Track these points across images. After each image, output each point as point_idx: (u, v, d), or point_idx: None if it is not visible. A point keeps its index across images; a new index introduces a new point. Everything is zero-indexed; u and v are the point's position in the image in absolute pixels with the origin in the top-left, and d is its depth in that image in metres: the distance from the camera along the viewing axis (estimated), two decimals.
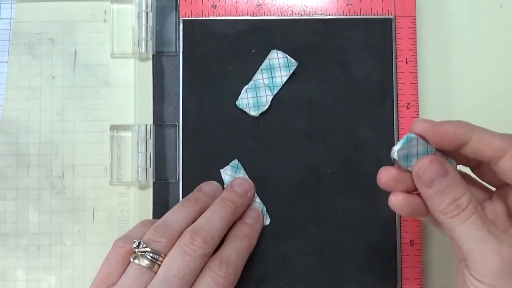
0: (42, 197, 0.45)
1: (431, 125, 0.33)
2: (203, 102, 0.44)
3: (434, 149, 0.33)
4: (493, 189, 0.36)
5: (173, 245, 0.37)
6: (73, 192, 0.45)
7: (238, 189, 0.42)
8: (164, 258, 0.37)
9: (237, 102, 0.44)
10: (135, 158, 0.44)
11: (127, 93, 0.46)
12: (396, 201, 0.34)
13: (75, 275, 0.44)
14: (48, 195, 0.45)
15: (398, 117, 0.44)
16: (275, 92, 0.44)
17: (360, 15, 0.45)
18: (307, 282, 0.43)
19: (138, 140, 0.44)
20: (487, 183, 0.36)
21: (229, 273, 0.37)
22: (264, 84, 0.44)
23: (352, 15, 0.45)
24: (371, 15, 0.45)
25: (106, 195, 0.45)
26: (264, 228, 0.43)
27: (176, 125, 0.44)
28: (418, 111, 0.44)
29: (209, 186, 0.43)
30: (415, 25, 0.45)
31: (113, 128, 0.45)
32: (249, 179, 0.43)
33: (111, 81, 0.46)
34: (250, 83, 0.44)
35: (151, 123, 0.44)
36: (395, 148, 0.33)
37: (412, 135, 0.33)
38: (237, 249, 0.40)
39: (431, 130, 0.32)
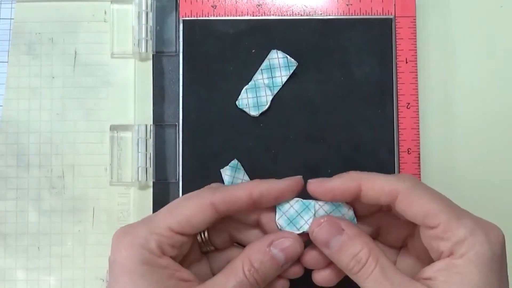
0: (42, 197, 0.45)
1: (317, 186, 0.34)
2: (203, 102, 0.44)
3: (314, 202, 0.34)
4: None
5: None
6: (73, 192, 0.45)
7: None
8: None
9: (237, 102, 0.44)
10: (135, 158, 0.44)
11: (127, 93, 0.46)
12: (321, 278, 0.35)
13: (75, 275, 0.44)
14: (48, 195, 0.45)
15: (398, 117, 0.44)
16: (275, 92, 0.44)
17: (360, 15, 0.45)
18: (307, 281, 0.43)
19: (138, 140, 0.44)
20: (392, 245, 0.37)
21: None
22: (264, 84, 0.44)
23: (352, 15, 0.45)
24: (371, 15, 0.45)
25: (106, 195, 0.45)
26: None
27: (176, 125, 0.44)
28: (418, 111, 0.44)
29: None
30: (415, 25, 0.45)
31: (113, 128, 0.45)
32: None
33: (111, 81, 0.46)
34: (250, 83, 0.44)
35: (151, 123, 0.44)
36: (275, 219, 0.35)
37: (280, 202, 0.35)
38: None
39: (320, 190, 0.34)
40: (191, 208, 0.33)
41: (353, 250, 0.32)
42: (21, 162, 0.45)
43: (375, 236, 0.37)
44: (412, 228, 0.35)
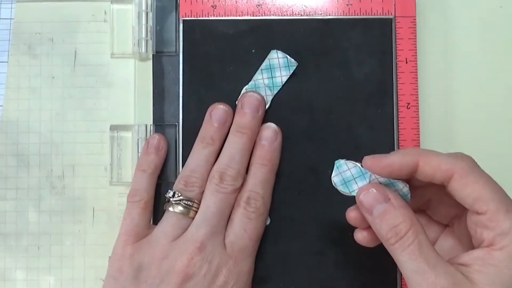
0: (42, 197, 0.45)
1: (374, 162, 0.34)
2: (203, 102, 0.44)
3: (370, 173, 0.35)
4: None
5: (203, 190, 0.40)
6: (73, 192, 0.45)
7: (248, 110, 0.42)
8: (198, 204, 0.40)
9: (237, 102, 0.44)
10: (135, 158, 0.44)
11: (127, 93, 0.46)
12: (361, 237, 0.36)
13: (75, 275, 0.44)
14: (48, 195, 0.45)
15: (398, 117, 0.44)
16: (275, 92, 0.44)
17: (360, 15, 0.45)
18: (307, 282, 0.43)
19: (138, 140, 0.44)
20: (439, 221, 0.37)
21: (258, 207, 0.40)
22: (264, 84, 0.44)
23: (352, 15, 0.45)
24: (371, 15, 0.45)
25: (106, 195, 0.45)
26: (264, 228, 0.43)
27: (176, 125, 0.44)
28: (418, 111, 0.44)
29: (218, 114, 0.42)
30: (415, 25, 0.45)
31: (113, 128, 0.45)
32: (256, 93, 0.43)
33: (111, 81, 0.46)
34: (250, 83, 0.44)
35: (151, 123, 0.44)
36: (331, 175, 0.36)
37: (340, 161, 0.35)
38: (260, 179, 0.41)
39: (378, 166, 0.34)
40: None
41: (394, 221, 0.32)
42: (21, 162, 0.45)
43: (425, 208, 0.37)
44: (461, 209, 0.34)
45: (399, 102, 0.44)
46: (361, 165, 0.35)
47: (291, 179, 0.44)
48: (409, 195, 0.35)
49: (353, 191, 0.35)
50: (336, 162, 0.36)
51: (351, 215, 0.36)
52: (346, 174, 0.35)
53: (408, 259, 0.31)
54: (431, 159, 0.33)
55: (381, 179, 0.35)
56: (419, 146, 0.44)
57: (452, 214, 0.36)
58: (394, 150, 0.44)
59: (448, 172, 0.32)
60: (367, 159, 0.34)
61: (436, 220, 0.37)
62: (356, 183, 0.35)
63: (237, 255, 0.40)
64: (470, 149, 0.45)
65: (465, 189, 0.32)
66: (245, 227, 0.40)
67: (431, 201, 0.37)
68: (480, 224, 0.31)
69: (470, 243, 0.33)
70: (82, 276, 0.44)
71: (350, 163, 0.35)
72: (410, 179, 0.35)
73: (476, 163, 0.33)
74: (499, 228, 0.30)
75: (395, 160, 0.33)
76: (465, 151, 0.45)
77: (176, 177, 0.44)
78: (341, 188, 0.36)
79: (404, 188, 0.35)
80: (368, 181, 0.35)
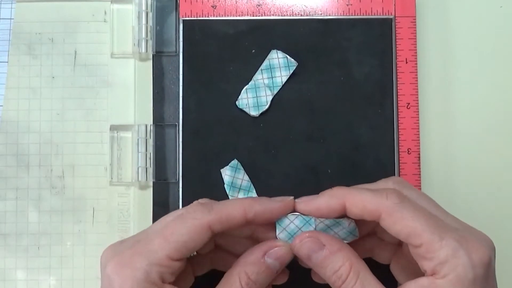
0: (42, 197, 0.45)
1: (305, 205, 0.34)
2: (203, 102, 0.44)
3: (314, 218, 0.34)
4: None
5: None
6: (73, 192, 0.45)
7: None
8: None
9: (237, 102, 0.44)
10: (135, 158, 0.44)
11: (127, 93, 0.46)
12: (318, 278, 0.36)
13: (75, 275, 0.44)
14: (48, 195, 0.45)
15: (398, 117, 0.44)
16: (275, 92, 0.44)
17: (360, 15, 0.45)
18: (307, 282, 0.43)
19: (138, 140, 0.44)
20: (390, 243, 0.37)
21: None
22: (264, 84, 0.44)
23: (352, 15, 0.45)
24: (371, 15, 0.45)
25: (106, 195, 0.45)
26: None
27: (176, 125, 0.44)
28: (418, 111, 0.44)
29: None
30: (415, 25, 0.45)
31: (113, 128, 0.45)
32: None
33: (111, 81, 0.46)
34: (250, 83, 0.44)
35: (151, 123, 0.44)
36: (276, 234, 0.35)
37: (281, 217, 0.35)
38: None
39: (308, 210, 0.34)
40: (188, 233, 0.33)
41: (334, 266, 0.33)
42: (21, 162, 0.45)
43: (374, 231, 0.37)
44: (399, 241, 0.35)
45: (399, 102, 0.44)
46: (301, 214, 0.35)
47: (291, 179, 0.44)
48: (356, 231, 0.35)
49: None
50: (277, 220, 0.35)
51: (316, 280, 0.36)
52: (290, 227, 0.35)
53: None
54: (356, 201, 0.33)
55: (326, 221, 0.34)
56: (419, 146, 0.44)
57: (391, 251, 0.37)
58: (394, 150, 0.44)
59: (375, 212, 0.32)
60: (298, 203, 0.35)
61: (388, 241, 0.37)
62: (302, 231, 0.35)
63: None
64: (470, 149, 0.45)
65: (395, 226, 0.32)
66: None
67: (377, 226, 0.36)
68: (419, 256, 0.32)
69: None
70: (82, 276, 0.44)
71: (291, 216, 0.35)
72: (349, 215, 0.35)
73: (402, 196, 0.33)
74: (437, 258, 0.31)
75: (322, 203, 0.34)
76: (465, 151, 0.45)
77: (176, 177, 0.44)
78: (290, 242, 0.35)
79: (350, 224, 0.35)
80: (313, 227, 0.35)
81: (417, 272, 0.33)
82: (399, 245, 0.37)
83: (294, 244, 0.34)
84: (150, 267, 0.32)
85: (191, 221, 0.33)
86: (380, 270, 0.35)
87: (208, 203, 0.34)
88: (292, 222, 0.35)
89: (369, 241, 0.38)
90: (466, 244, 0.31)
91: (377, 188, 0.34)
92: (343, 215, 0.34)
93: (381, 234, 0.37)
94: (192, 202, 0.37)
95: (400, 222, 0.32)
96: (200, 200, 0.36)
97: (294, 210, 0.35)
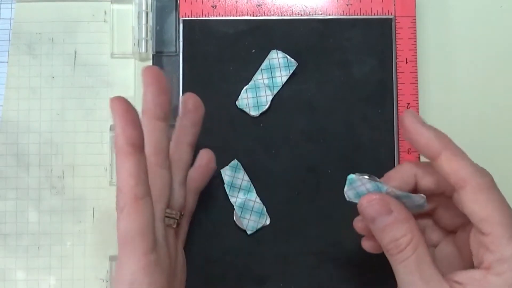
0: (42, 197, 0.45)
1: (413, 125, 0.33)
2: (203, 102, 0.44)
3: (387, 187, 0.33)
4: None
5: None
6: (73, 192, 0.45)
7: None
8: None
9: (237, 102, 0.44)
10: None
11: (127, 93, 0.45)
12: (368, 245, 0.36)
13: (75, 275, 0.44)
14: (48, 195, 0.45)
15: (398, 117, 0.44)
16: (275, 92, 0.44)
17: (360, 15, 0.45)
18: (307, 282, 0.43)
19: None
20: (443, 227, 0.37)
21: None
22: (264, 84, 0.44)
23: (352, 15, 0.45)
24: (371, 15, 0.45)
25: (106, 195, 0.45)
26: (264, 228, 0.43)
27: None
28: (418, 111, 0.44)
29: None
30: (415, 25, 0.45)
31: (113, 128, 0.45)
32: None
33: (111, 81, 0.46)
34: (250, 83, 0.44)
35: None
36: (345, 190, 0.34)
37: (352, 175, 0.34)
38: None
39: (411, 131, 0.33)
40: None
41: (395, 234, 0.32)
42: (21, 162, 0.45)
43: (431, 213, 0.37)
44: (466, 221, 0.34)
45: (399, 102, 0.44)
46: (377, 179, 0.34)
47: (291, 179, 0.44)
48: (425, 205, 0.34)
49: None
50: (348, 176, 0.34)
51: (359, 225, 0.36)
52: (360, 189, 0.34)
53: (404, 271, 0.32)
54: (452, 159, 0.32)
55: (398, 192, 0.33)
56: None
57: (457, 224, 0.36)
58: (394, 150, 0.44)
59: (462, 181, 0.32)
60: (409, 116, 0.33)
61: (441, 227, 0.37)
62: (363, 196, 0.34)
63: None
64: (470, 149, 0.45)
65: (474, 205, 0.31)
66: None
67: (437, 208, 0.36)
68: (482, 244, 0.31)
69: (469, 256, 0.33)
70: (82, 276, 0.44)
71: (364, 179, 0.33)
72: (418, 187, 0.35)
73: (494, 183, 0.32)
74: (500, 253, 0.30)
75: (424, 136, 0.33)
76: (465, 151, 0.45)
77: None
78: (354, 200, 0.34)
79: (420, 200, 0.34)
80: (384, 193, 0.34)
81: (461, 264, 0.33)
82: (451, 232, 0.36)
83: (361, 203, 0.33)
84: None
85: None
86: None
87: None
88: (363, 185, 0.34)
89: (422, 222, 0.37)
90: None
91: None
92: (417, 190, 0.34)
93: (438, 218, 0.37)
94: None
95: (482, 203, 0.31)
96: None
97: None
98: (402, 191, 0.34)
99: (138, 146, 0.32)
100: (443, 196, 0.35)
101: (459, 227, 0.36)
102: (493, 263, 0.30)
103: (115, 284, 0.32)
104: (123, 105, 0.31)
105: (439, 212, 0.36)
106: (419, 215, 0.37)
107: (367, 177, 0.33)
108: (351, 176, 0.33)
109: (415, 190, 0.35)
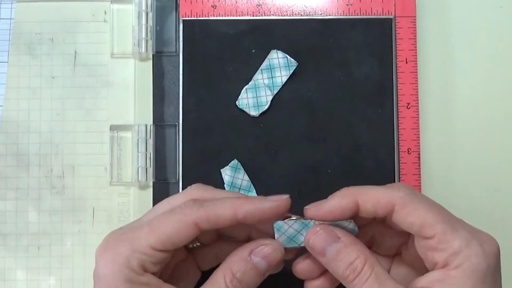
0: (42, 197, 0.45)
1: (316, 210, 0.34)
2: (203, 102, 0.44)
3: (313, 221, 0.34)
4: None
5: None
6: (73, 192, 0.45)
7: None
8: None
9: (237, 102, 0.44)
10: (135, 158, 0.44)
11: (127, 93, 0.46)
12: (315, 287, 0.35)
13: (75, 275, 0.44)
14: (48, 195, 0.45)
15: (398, 117, 0.44)
16: (275, 92, 0.44)
17: (360, 15, 0.45)
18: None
19: (138, 140, 0.44)
20: (387, 252, 0.37)
21: None
22: (264, 84, 0.44)
23: (352, 15, 0.45)
24: (371, 15, 0.45)
25: (106, 195, 0.45)
26: None
27: (176, 125, 0.44)
28: (418, 111, 0.44)
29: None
30: (415, 25, 0.45)
31: (113, 128, 0.45)
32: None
33: (111, 81, 0.46)
34: (250, 83, 0.44)
35: (151, 123, 0.44)
36: (275, 238, 0.34)
37: (278, 222, 0.34)
38: None
39: (319, 215, 0.34)
40: (174, 227, 0.32)
41: (349, 258, 0.32)
42: (21, 162, 0.45)
43: (370, 244, 0.37)
44: (405, 237, 0.35)
45: (399, 102, 0.44)
46: (302, 218, 0.34)
47: (291, 179, 0.44)
48: (356, 228, 0.35)
49: (301, 242, 0.34)
50: (274, 224, 0.34)
51: (299, 267, 0.35)
52: (289, 232, 0.34)
53: None
54: (369, 196, 0.33)
55: (327, 223, 0.34)
56: (419, 146, 0.44)
57: (397, 244, 0.36)
58: (394, 150, 0.44)
59: (389, 205, 0.32)
60: (308, 209, 0.34)
61: (383, 254, 0.37)
62: (302, 234, 0.34)
63: None
64: (470, 149, 0.45)
65: (408, 218, 0.32)
66: None
67: (375, 237, 0.37)
68: (431, 248, 0.32)
69: (422, 267, 0.33)
70: (82, 276, 0.44)
71: (289, 221, 0.34)
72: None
73: (413, 190, 0.33)
74: (450, 248, 0.31)
75: (334, 205, 0.33)
76: (465, 151, 0.45)
77: (176, 177, 0.44)
78: (289, 246, 0.34)
79: (350, 224, 0.34)
80: None
81: (421, 271, 0.33)
82: (395, 255, 0.37)
83: (308, 237, 0.33)
84: (131, 254, 0.32)
85: (179, 216, 0.32)
86: None
87: (200, 201, 0.33)
88: (290, 227, 0.34)
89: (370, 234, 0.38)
90: (477, 235, 0.31)
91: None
92: (355, 216, 0.34)
93: (377, 246, 0.37)
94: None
95: (414, 213, 0.32)
96: (193, 191, 0.35)
97: (291, 212, 0.35)
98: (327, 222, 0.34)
99: None
100: (377, 223, 0.36)
101: (401, 246, 0.36)
102: (448, 259, 0.31)
103: None
104: None
105: (377, 240, 0.37)
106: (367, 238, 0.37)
107: (294, 218, 0.34)
108: (277, 223, 0.34)
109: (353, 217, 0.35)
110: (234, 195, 0.35)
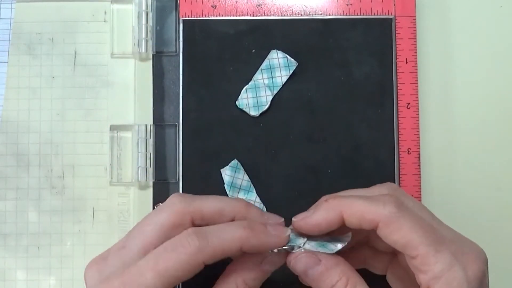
0: (42, 197, 0.45)
1: (303, 224, 0.34)
2: (203, 102, 0.44)
3: (305, 239, 0.34)
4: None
5: None
6: (73, 192, 0.45)
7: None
8: None
9: (237, 102, 0.44)
10: (135, 158, 0.44)
11: (127, 93, 0.46)
12: None
13: (75, 275, 0.44)
14: (48, 195, 0.45)
15: (398, 117, 0.44)
16: (275, 92, 0.44)
17: (360, 15, 0.45)
18: None
19: (138, 140, 0.44)
20: (383, 251, 0.37)
21: None
22: (264, 84, 0.44)
23: (352, 15, 0.45)
24: (371, 15, 0.45)
25: (106, 195, 0.45)
26: None
27: (176, 125, 0.44)
28: (418, 111, 0.44)
29: None
30: (415, 25, 0.45)
31: (113, 128, 0.45)
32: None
33: (111, 81, 0.46)
34: (250, 83, 0.44)
35: (151, 123, 0.44)
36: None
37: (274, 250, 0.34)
38: None
39: (306, 229, 0.34)
40: (182, 269, 0.31)
41: (331, 280, 0.33)
42: (21, 162, 0.45)
43: (367, 240, 0.37)
44: (394, 255, 0.36)
45: (399, 102, 0.44)
46: (296, 244, 0.34)
47: (291, 179, 0.44)
48: (349, 236, 0.35)
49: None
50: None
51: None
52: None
53: None
54: (353, 211, 0.33)
55: (312, 243, 0.34)
56: (419, 146, 0.44)
57: (387, 261, 0.37)
58: (394, 150, 0.44)
59: (373, 222, 0.32)
60: (296, 223, 0.34)
61: (382, 250, 0.37)
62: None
63: None
64: (470, 149, 0.45)
65: (392, 236, 0.32)
66: None
67: (370, 235, 0.36)
68: (415, 268, 0.32)
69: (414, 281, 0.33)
70: (82, 276, 0.44)
71: (282, 248, 0.34)
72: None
73: (400, 204, 0.32)
74: (432, 272, 0.31)
75: (320, 219, 0.33)
76: (465, 151, 0.45)
77: (176, 177, 0.44)
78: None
79: (346, 239, 0.34)
80: (305, 239, 0.34)
81: (415, 283, 0.33)
82: (394, 254, 0.37)
83: (289, 260, 0.34)
84: None
85: (185, 257, 0.31)
86: (375, 282, 0.35)
87: (203, 233, 0.32)
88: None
89: (363, 251, 0.38)
90: (462, 258, 0.31)
91: (372, 194, 0.34)
92: (343, 226, 0.34)
93: (374, 243, 0.37)
94: None
95: (397, 232, 0.31)
96: (177, 205, 0.34)
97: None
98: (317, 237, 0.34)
99: None
100: (365, 245, 0.36)
101: (393, 257, 0.37)
102: (430, 282, 0.31)
103: None
104: None
105: (373, 238, 0.37)
106: (356, 244, 0.37)
107: (286, 247, 0.34)
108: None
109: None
110: (235, 229, 0.34)
